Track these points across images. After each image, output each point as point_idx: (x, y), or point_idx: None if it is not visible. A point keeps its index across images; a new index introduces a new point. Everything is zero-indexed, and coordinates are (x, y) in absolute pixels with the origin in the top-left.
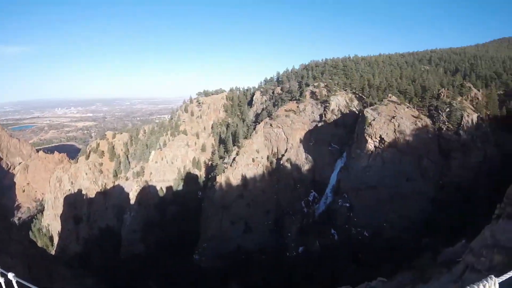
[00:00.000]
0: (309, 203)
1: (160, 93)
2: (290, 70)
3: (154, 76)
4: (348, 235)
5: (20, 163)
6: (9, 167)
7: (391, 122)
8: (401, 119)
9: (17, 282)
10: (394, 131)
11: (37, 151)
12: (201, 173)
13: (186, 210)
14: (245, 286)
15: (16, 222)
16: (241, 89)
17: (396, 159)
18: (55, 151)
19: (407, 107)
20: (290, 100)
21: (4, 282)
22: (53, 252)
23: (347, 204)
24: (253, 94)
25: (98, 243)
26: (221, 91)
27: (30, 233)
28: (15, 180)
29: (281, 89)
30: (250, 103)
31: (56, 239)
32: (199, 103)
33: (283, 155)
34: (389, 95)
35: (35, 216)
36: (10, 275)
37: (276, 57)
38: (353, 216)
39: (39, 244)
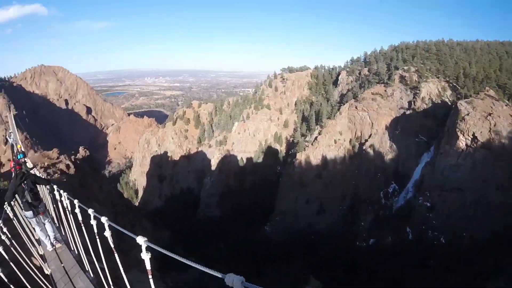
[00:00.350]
0: (388, 194)
1: (245, 67)
2: (378, 51)
3: (238, 50)
4: (423, 237)
5: (112, 124)
6: (103, 127)
7: (487, 120)
8: (498, 118)
9: (108, 226)
10: (489, 131)
11: (128, 114)
12: (281, 149)
13: (263, 182)
14: (309, 265)
15: (107, 175)
16: (326, 68)
17: (488, 163)
18: (145, 116)
19: (506, 105)
20: (378, 83)
21: (96, 225)
22: (136, 204)
23: (428, 204)
24: (339, 74)
25: (177, 202)
26: (306, 68)
27: (118, 185)
28: (108, 139)
29: (368, 71)
30: (335, 83)
31: (140, 193)
32: (283, 79)
33: (366, 140)
34: (487, 88)
35: (124, 171)
36: (103, 219)
37: (363, 36)
38: (432, 218)
39: (125, 195)
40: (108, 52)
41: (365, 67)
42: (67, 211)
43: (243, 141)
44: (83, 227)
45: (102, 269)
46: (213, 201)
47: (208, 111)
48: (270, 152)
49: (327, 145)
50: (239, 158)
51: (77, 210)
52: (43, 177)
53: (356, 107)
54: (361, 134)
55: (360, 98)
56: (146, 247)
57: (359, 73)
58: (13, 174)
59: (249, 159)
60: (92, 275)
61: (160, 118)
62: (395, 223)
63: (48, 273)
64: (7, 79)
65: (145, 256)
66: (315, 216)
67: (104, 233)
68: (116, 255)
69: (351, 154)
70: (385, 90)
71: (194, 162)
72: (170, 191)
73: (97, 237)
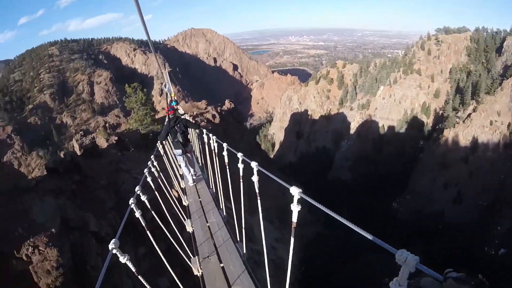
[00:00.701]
0: None
1: (394, 26)
2: None
3: (387, 7)
4: None
5: (257, 80)
6: (247, 83)
7: None
8: None
9: (257, 171)
10: None
11: (272, 72)
12: (428, 121)
13: (401, 154)
14: (427, 257)
15: (248, 127)
16: (488, 31)
17: None
18: (288, 74)
19: None
20: None
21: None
22: (272, 157)
23: None
24: (504, 40)
25: (311, 160)
26: (464, 30)
27: (257, 137)
28: (251, 94)
29: None
30: (498, 50)
31: (276, 147)
32: (438, 41)
33: None
34: None
35: (264, 125)
36: (253, 164)
37: None
38: None
39: (262, 147)
40: (252, 12)
41: None
42: (214, 153)
43: (386, 107)
44: (227, 169)
45: (234, 210)
46: (346, 164)
47: (353, 72)
48: (414, 123)
49: (481, 125)
50: (380, 125)
51: (224, 153)
52: (193, 122)
53: None
54: None
55: None
56: (298, 198)
57: None
58: (167, 118)
59: (391, 128)
60: (224, 213)
61: (303, 76)
62: None
63: (186, 205)
64: (161, 42)
65: (295, 208)
66: (450, 204)
67: (252, 178)
68: (258, 200)
69: (507, 141)
70: None
71: (333, 123)
72: (305, 148)
73: (241, 180)
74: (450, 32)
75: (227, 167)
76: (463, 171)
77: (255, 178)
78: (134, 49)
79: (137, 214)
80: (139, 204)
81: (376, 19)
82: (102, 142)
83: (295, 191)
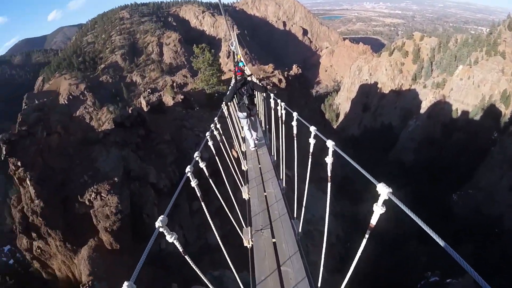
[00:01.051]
0: None
1: None
2: None
3: None
4: None
5: (327, 47)
6: (317, 49)
7: None
8: None
9: (333, 151)
10: None
11: (344, 39)
12: (506, 112)
13: (471, 144)
14: (476, 258)
15: (314, 94)
16: None
17: None
18: (360, 42)
19: None
20: None
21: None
22: (334, 127)
23: None
24: None
25: (374, 135)
26: None
27: (322, 105)
28: (320, 60)
29: None
30: None
31: (340, 118)
32: None
33: None
34: None
35: (330, 94)
36: (330, 143)
37: None
38: None
39: (326, 116)
40: None
41: None
42: (280, 121)
43: (463, 90)
44: (295, 140)
45: (296, 183)
46: (411, 145)
47: (431, 46)
48: (491, 112)
49: None
50: (453, 108)
51: (294, 123)
52: (260, 85)
53: None
54: None
55: None
56: (386, 199)
57: None
58: (234, 79)
59: (464, 113)
60: (284, 185)
61: (376, 46)
62: None
63: (245, 169)
64: (230, 5)
65: (378, 210)
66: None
67: (325, 159)
68: (329, 186)
69: None
70: None
71: (403, 99)
72: (370, 122)
73: (310, 156)
74: None
75: (295, 138)
76: None
77: (329, 160)
78: (203, 11)
79: (193, 183)
80: (196, 167)
81: None
82: (168, 100)
83: (384, 190)
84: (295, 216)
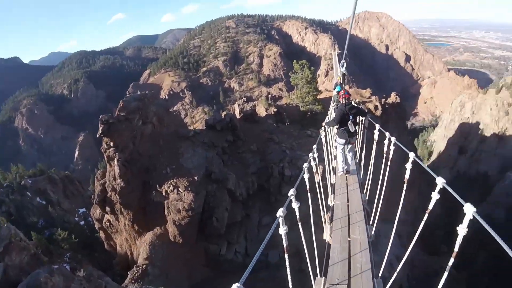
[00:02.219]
0: None
1: None
2: None
3: None
4: None
5: (429, 77)
6: (418, 78)
7: None
8: None
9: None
10: None
11: (448, 70)
12: None
13: None
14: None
15: (409, 126)
16: None
17: None
18: (466, 75)
19: None
20: None
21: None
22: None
23: None
24: None
25: (467, 183)
26: None
27: (416, 140)
28: (420, 90)
29: None
30: None
31: (433, 157)
32: None
33: None
34: None
35: (426, 128)
36: (439, 180)
37: None
38: None
39: (418, 153)
40: None
41: None
42: (387, 158)
43: None
44: (387, 167)
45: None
46: (506, 201)
47: None
48: None
49: None
50: None
51: (391, 147)
52: (363, 109)
53: None
54: None
55: None
56: (471, 219)
57: None
58: (335, 101)
59: None
60: (373, 232)
61: (483, 81)
62: None
63: (331, 205)
64: (333, 23)
65: (462, 231)
66: None
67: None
68: (451, 259)
69: None
70: None
71: (505, 146)
72: (464, 168)
73: (404, 186)
74: None
75: (388, 166)
76: None
77: (462, 231)
78: (305, 28)
79: (282, 231)
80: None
81: None
82: (261, 111)
83: (470, 210)
84: (379, 274)
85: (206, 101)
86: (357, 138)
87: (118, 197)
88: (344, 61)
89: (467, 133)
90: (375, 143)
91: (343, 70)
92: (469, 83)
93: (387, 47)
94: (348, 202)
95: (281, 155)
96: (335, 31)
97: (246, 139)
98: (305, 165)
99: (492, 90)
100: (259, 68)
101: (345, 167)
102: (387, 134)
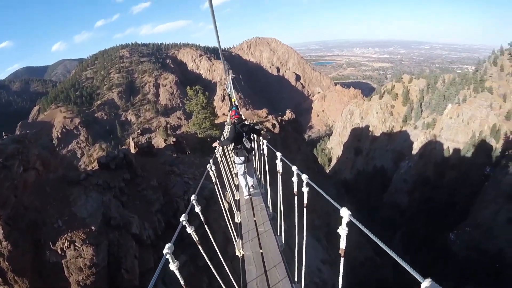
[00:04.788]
0: None
1: (464, 39)
2: None
3: (456, 18)
4: None
5: (319, 92)
6: (309, 94)
7: None
8: None
9: (307, 183)
10: None
11: (335, 84)
12: (497, 146)
13: (465, 181)
14: None
15: (306, 138)
16: None
17: None
18: (351, 87)
19: None
20: None
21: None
22: (327, 171)
23: None
24: None
25: (367, 178)
26: None
27: (314, 150)
28: (312, 105)
29: None
30: None
31: (333, 162)
32: None
33: None
34: None
35: (322, 138)
36: (304, 177)
37: None
38: None
39: (319, 161)
40: (317, 23)
41: None
42: (278, 171)
43: (453, 128)
44: (279, 180)
45: (297, 240)
46: (404, 187)
47: (419, 87)
48: (482, 147)
49: None
50: (445, 147)
51: (277, 161)
52: (257, 128)
53: None
54: None
55: None
56: (348, 221)
57: None
58: (230, 123)
59: (456, 151)
60: (282, 241)
61: (367, 90)
62: None
63: (238, 222)
64: (226, 50)
65: (343, 232)
66: None
67: (302, 189)
68: (342, 259)
69: None
70: None
71: (394, 141)
72: (362, 166)
73: (295, 195)
74: None
75: (280, 178)
76: None
77: (343, 232)
78: (200, 55)
79: (189, 230)
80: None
81: (445, 31)
82: (160, 142)
83: (345, 213)
84: (295, 279)
85: (103, 137)
86: (254, 155)
87: (7, 263)
88: (228, 83)
89: (359, 136)
90: (266, 158)
91: (227, 90)
92: (355, 93)
93: (278, 69)
94: (254, 216)
95: (184, 187)
96: (228, 57)
97: (145, 175)
98: (193, 197)
99: (376, 96)
100: (155, 98)
101: (249, 190)
102: (278, 154)
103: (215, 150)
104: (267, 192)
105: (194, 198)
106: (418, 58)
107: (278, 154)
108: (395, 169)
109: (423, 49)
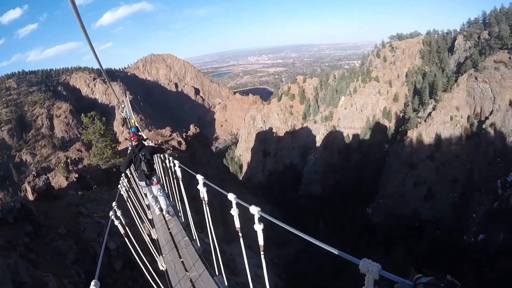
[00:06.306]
0: (506, 184)
1: (348, 38)
2: (498, 10)
3: (340, 20)
4: None
5: (219, 103)
6: (210, 106)
7: None
8: None
9: (204, 183)
10: None
11: (234, 93)
12: (390, 125)
13: (369, 160)
14: (410, 256)
15: (214, 150)
16: (439, 33)
17: None
18: (250, 94)
19: None
20: (500, 48)
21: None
22: (241, 178)
23: None
24: (454, 39)
25: (280, 177)
26: (417, 35)
27: (224, 160)
28: (215, 116)
29: (488, 34)
30: (450, 50)
31: (244, 168)
32: (392, 47)
33: (486, 118)
34: None
35: (230, 147)
36: (199, 177)
37: None
38: None
39: (231, 170)
40: (212, 36)
41: (484, 30)
42: (177, 180)
43: (349, 117)
44: (183, 193)
45: (211, 240)
46: (316, 178)
47: (313, 85)
48: (378, 129)
49: (442, 122)
50: (345, 134)
51: (200, 187)
52: (157, 146)
53: (476, 78)
54: (481, 110)
55: (481, 67)
56: (259, 217)
57: (478, 37)
58: (130, 146)
59: (355, 136)
60: (198, 245)
61: (265, 95)
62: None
63: (155, 238)
64: (121, 70)
65: (258, 227)
66: (422, 201)
67: (198, 185)
68: (262, 254)
69: (469, 133)
70: (510, 58)
71: (298, 138)
72: (273, 166)
73: (205, 206)
74: (403, 38)
75: (204, 203)
76: (431, 168)
77: (202, 188)
78: (94, 79)
79: (117, 222)
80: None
81: (331, 33)
82: (61, 181)
83: (255, 210)
84: (216, 272)
85: None
86: (160, 174)
87: None
88: (122, 106)
89: (265, 139)
90: (170, 172)
91: (123, 114)
92: (254, 99)
93: (176, 85)
94: (169, 229)
95: (97, 228)
96: (123, 78)
97: (51, 223)
98: (111, 213)
99: (274, 99)
100: (50, 132)
101: (163, 206)
102: (177, 162)
103: (119, 185)
104: (177, 203)
105: (114, 204)
106: (309, 60)
107: (199, 177)
108: (304, 163)
109: (313, 51)
